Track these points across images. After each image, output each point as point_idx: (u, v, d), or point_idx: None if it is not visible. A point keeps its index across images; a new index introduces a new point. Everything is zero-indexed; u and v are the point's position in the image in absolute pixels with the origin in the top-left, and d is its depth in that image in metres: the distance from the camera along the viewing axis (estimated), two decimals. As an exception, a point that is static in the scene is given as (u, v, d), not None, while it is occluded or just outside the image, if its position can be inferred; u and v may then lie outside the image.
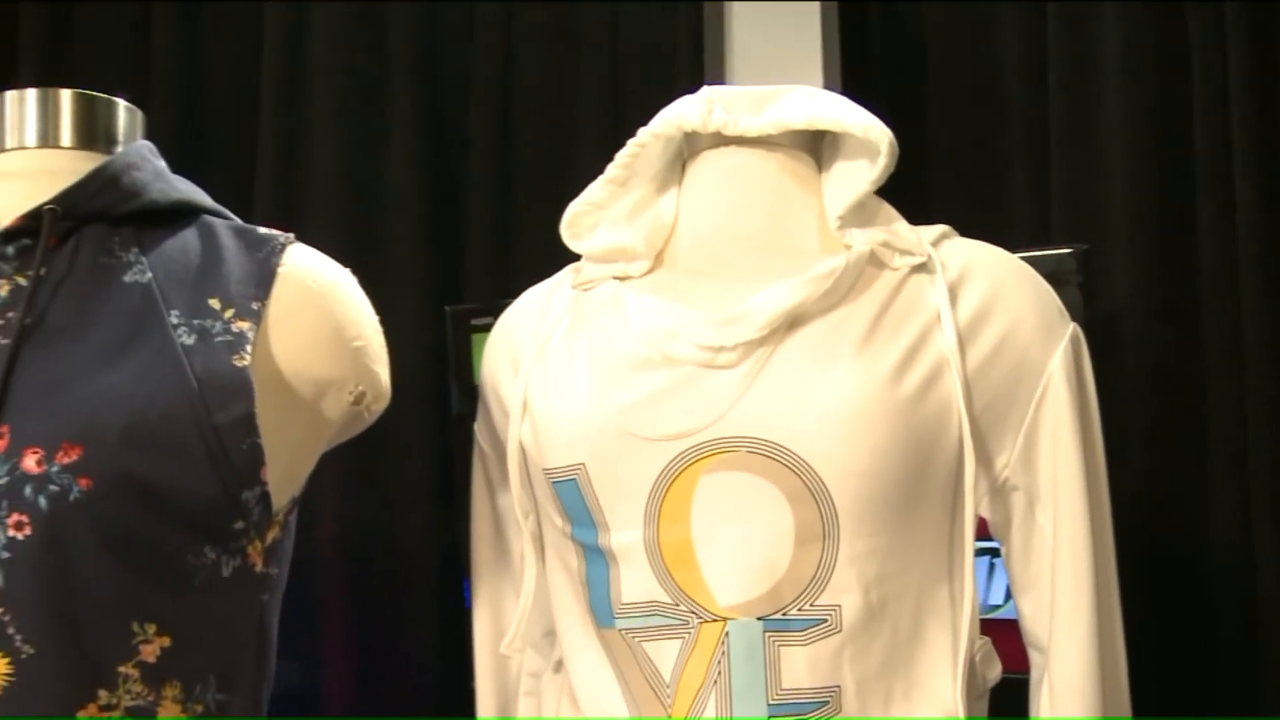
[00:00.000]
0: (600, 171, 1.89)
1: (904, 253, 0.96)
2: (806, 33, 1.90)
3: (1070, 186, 1.76)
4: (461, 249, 2.09)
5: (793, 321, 0.93)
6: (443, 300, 1.95)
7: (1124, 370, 1.71)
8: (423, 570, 2.00)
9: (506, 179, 2.08)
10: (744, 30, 1.96)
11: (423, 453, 1.98)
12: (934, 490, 0.93)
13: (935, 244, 0.97)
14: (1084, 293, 1.51)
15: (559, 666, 1.06)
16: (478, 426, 1.11)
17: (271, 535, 0.97)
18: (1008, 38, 1.86)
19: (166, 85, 2.13)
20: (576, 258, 1.09)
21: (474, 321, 1.79)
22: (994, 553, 1.48)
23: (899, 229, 0.98)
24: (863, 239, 0.96)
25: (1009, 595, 1.54)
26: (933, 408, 0.92)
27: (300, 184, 2.09)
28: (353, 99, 2.09)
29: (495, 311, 1.78)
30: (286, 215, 2.01)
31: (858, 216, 0.97)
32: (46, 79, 2.02)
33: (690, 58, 1.96)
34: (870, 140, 0.96)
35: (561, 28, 2.06)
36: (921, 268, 0.96)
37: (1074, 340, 0.97)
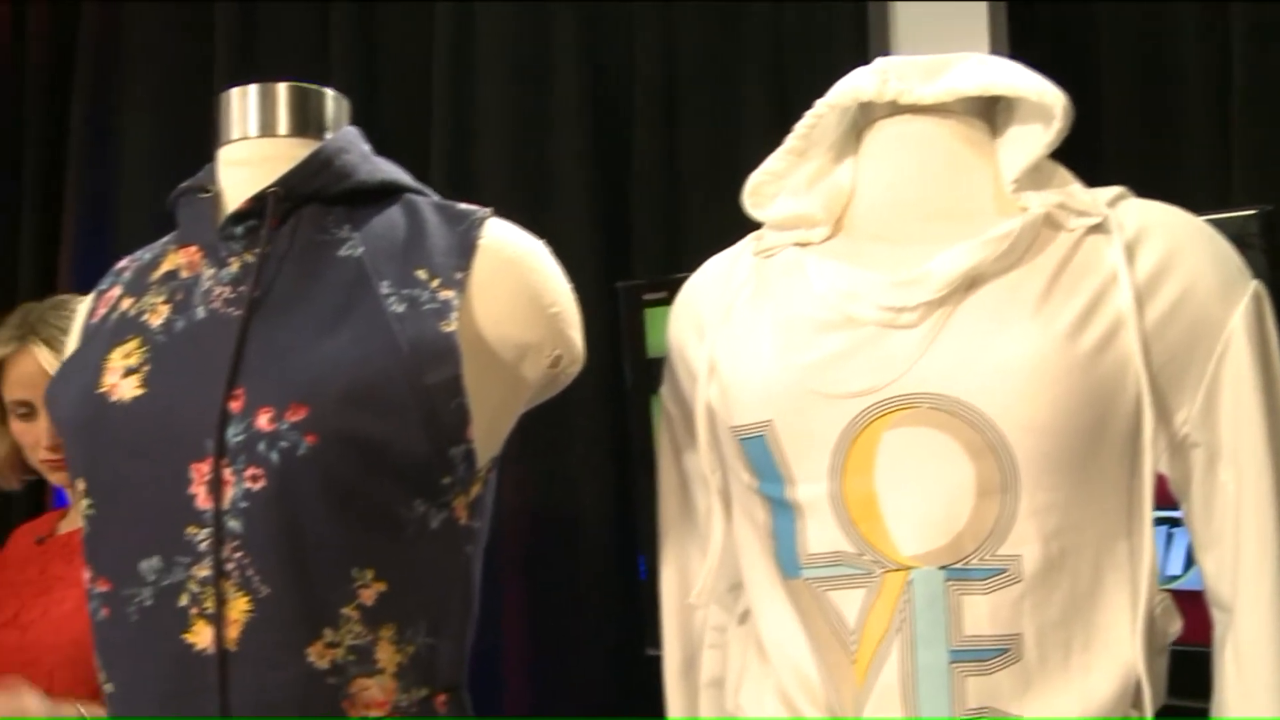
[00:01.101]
0: (763, 155, 1.91)
1: (1080, 214, 0.97)
2: (973, 33, 1.87)
3: (1254, 150, 1.71)
4: (629, 230, 2.13)
5: (971, 282, 0.95)
6: (612, 279, 2.00)
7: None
8: (597, 543, 2.05)
9: (671, 161, 2.11)
10: (909, 31, 1.94)
11: (596, 427, 2.02)
12: (1112, 446, 0.95)
13: (1111, 204, 0.98)
14: (1268, 255, 1.48)
15: (744, 618, 1.11)
16: (664, 391, 1.16)
17: (475, 490, 1.04)
18: (1186, 45, 1.80)
19: (345, 80, 2.23)
20: (739, 234, 1.13)
21: (645, 297, 1.83)
22: (1171, 522, 1.46)
23: (1074, 190, 0.99)
24: (1038, 201, 0.98)
25: (1187, 565, 1.52)
26: (1110, 365, 0.93)
27: (471, 170, 2.16)
28: (519, 88, 2.16)
29: (666, 286, 1.83)
30: (459, 200, 2.08)
31: (1033, 179, 0.99)
32: (238, 75, 2.16)
33: (854, 58, 1.96)
34: (1045, 104, 0.97)
35: (722, 27, 2.08)
36: (1097, 228, 0.97)
37: (1255, 297, 0.97)
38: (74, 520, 1.69)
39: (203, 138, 2.20)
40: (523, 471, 2.07)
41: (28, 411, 1.63)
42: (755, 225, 1.13)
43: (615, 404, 2.00)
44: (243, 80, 1.18)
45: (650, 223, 2.10)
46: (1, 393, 1.66)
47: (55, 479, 1.67)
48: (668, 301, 1.81)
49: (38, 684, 1.50)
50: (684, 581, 1.15)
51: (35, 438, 1.63)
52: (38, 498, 2.08)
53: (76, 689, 1.49)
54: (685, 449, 1.14)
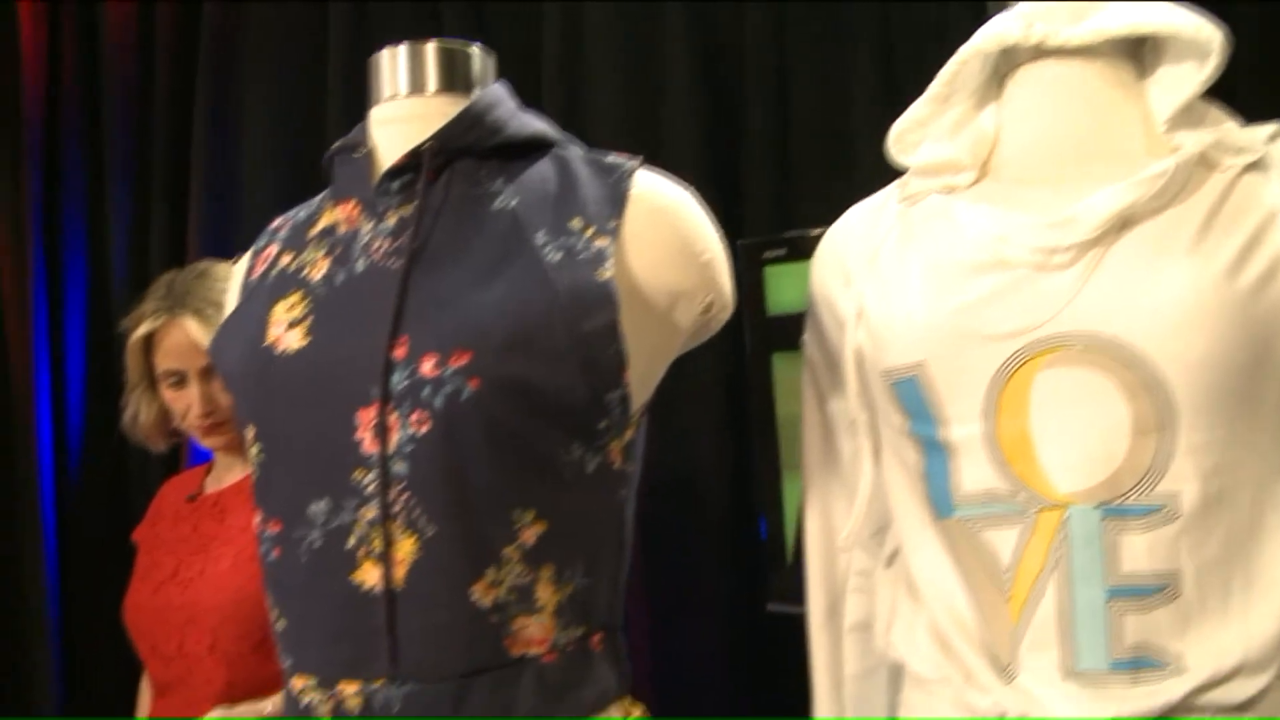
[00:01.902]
0: (873, 115, 1.89)
1: (1236, 152, 0.97)
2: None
3: None
4: (740, 195, 2.14)
5: (1124, 223, 0.95)
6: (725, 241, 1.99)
7: None
8: (716, 503, 2.07)
9: (782, 128, 2.11)
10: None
11: (714, 387, 2.04)
12: (1271, 385, 0.94)
13: (1271, 140, 0.97)
14: None
15: (890, 561, 1.12)
16: (807, 338, 1.17)
17: (629, 434, 1.07)
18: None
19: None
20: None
21: (766, 255, 1.84)
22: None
23: (1230, 128, 0.98)
24: (1192, 140, 0.97)
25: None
26: (1270, 303, 0.93)
27: (584, 129, 2.17)
28: (630, 60, 2.16)
29: (785, 244, 1.84)
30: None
31: (1186, 118, 0.98)
32: (351, 74, 2.21)
33: (966, 21, 1.92)
34: (1199, 40, 0.96)
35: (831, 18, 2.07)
36: (1254, 166, 0.96)
37: None
38: (220, 478, 1.75)
39: (319, 129, 2.29)
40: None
41: (179, 380, 1.69)
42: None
43: (733, 363, 2.01)
44: (356, 76, 1.18)
45: (761, 188, 2.11)
46: (153, 362, 1.72)
47: (208, 443, 1.73)
48: (787, 259, 1.83)
49: (201, 641, 1.58)
50: (828, 527, 1.17)
51: (186, 404, 1.69)
52: (174, 454, 2.16)
53: (239, 643, 1.55)
54: (829, 396, 1.15)
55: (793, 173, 2.09)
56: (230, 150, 2.39)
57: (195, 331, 1.65)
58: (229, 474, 1.74)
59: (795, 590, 1.85)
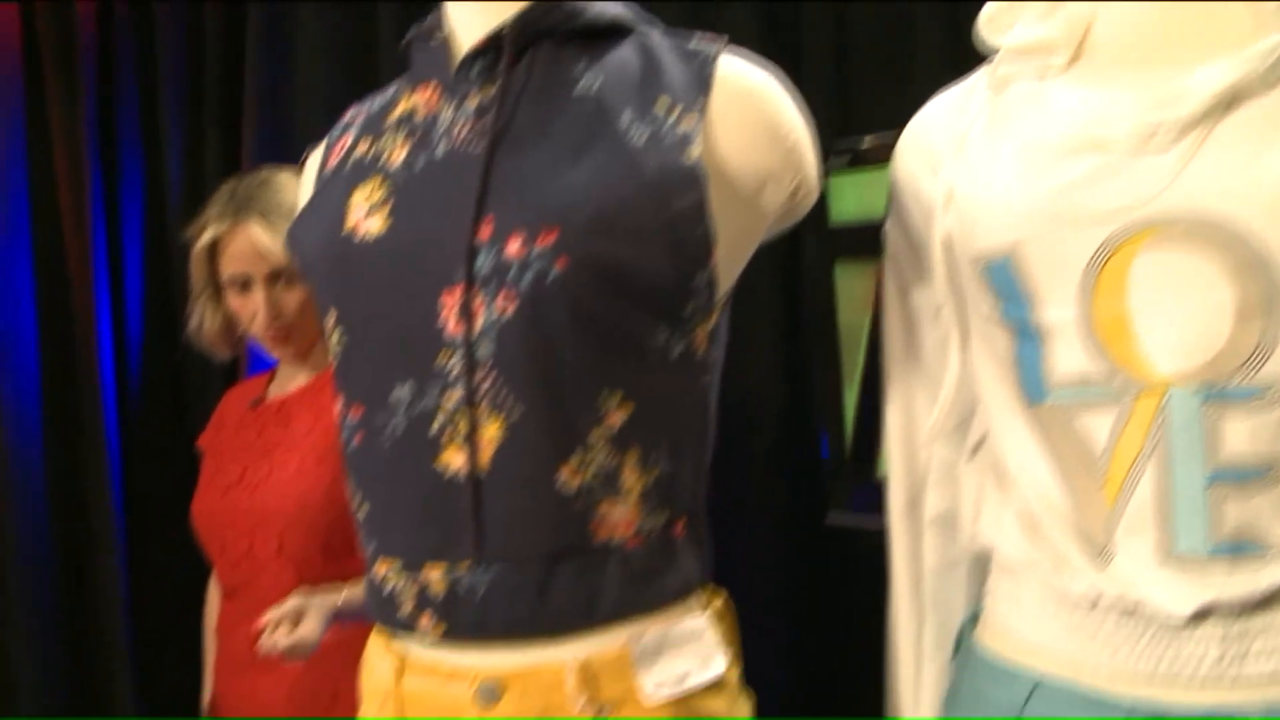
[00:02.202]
0: (934, 22, 1.84)
1: None
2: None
3: None
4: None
5: (1231, 100, 0.92)
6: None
7: None
8: (769, 418, 2.06)
9: (839, 34, 2.07)
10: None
11: (772, 302, 2.02)
12: None
13: None
14: None
15: (974, 453, 1.11)
16: (889, 228, 1.15)
17: (714, 319, 1.06)
18: None
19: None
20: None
21: (828, 163, 1.81)
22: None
23: None
24: None
25: None
26: None
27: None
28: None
29: (848, 152, 1.80)
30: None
31: None
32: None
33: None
34: None
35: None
36: None
37: None
38: (284, 385, 1.76)
39: (371, 48, 2.26)
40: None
41: (244, 285, 1.69)
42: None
43: (791, 276, 1.99)
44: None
45: (819, 98, 2.06)
46: (217, 268, 1.72)
47: (275, 352, 1.73)
48: (850, 167, 1.80)
49: (268, 544, 1.59)
50: (909, 420, 1.15)
51: (252, 311, 1.69)
52: (233, 365, 2.17)
53: (306, 546, 1.57)
54: (912, 287, 1.13)
55: (852, 81, 2.06)
56: (284, 68, 2.38)
57: (261, 236, 1.64)
58: (292, 381, 1.74)
59: (856, 500, 1.85)
